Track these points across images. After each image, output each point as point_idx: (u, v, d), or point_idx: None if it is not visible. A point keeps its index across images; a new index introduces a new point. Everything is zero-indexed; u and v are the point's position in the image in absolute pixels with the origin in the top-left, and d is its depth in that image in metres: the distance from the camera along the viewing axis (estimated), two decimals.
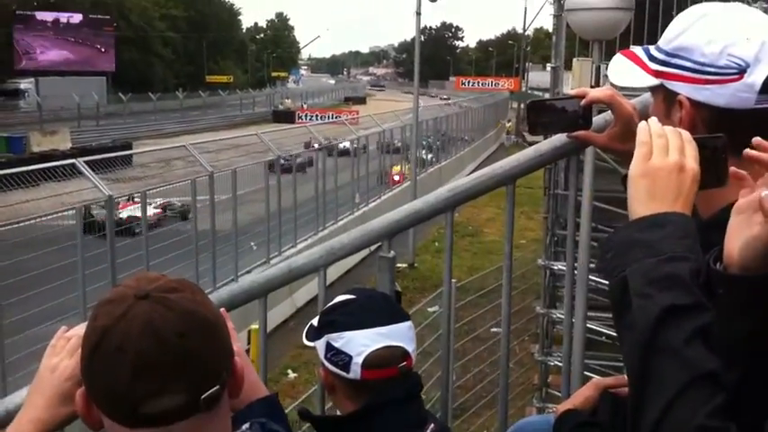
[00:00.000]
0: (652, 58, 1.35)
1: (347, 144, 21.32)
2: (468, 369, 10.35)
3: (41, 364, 1.31)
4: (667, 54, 1.32)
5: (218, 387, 1.10)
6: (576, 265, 2.41)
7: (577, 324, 2.52)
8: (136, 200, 12.14)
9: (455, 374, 9.35)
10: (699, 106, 1.28)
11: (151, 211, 12.71)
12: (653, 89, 1.38)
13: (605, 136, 1.65)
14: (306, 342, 1.75)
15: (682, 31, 1.30)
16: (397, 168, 23.88)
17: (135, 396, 1.04)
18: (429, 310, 10.89)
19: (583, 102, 1.63)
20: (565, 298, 2.37)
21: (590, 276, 2.38)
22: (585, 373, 2.62)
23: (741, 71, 1.23)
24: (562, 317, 2.40)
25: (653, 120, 1.23)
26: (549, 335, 9.53)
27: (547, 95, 10.98)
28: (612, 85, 1.53)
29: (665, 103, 1.34)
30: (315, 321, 1.75)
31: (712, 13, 1.29)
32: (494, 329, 10.64)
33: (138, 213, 11.61)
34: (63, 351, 1.30)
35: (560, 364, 2.54)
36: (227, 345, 1.14)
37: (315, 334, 1.72)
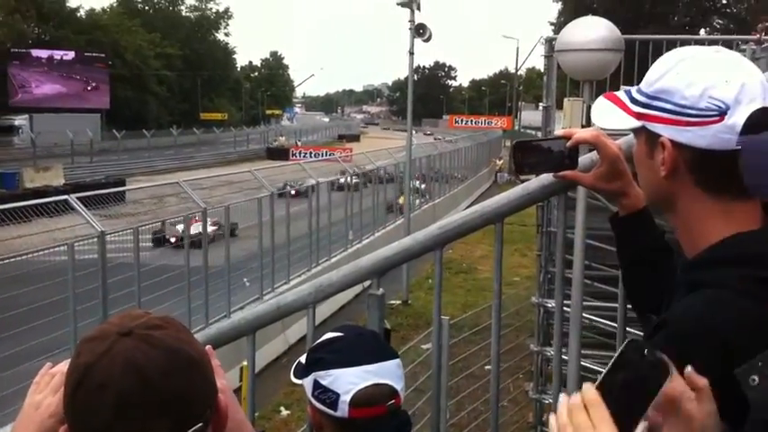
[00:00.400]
0: (634, 101, 1.37)
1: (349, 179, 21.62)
2: (463, 407, 10.25)
3: (25, 401, 1.30)
4: (648, 96, 1.33)
5: (201, 425, 1.09)
6: (566, 302, 2.42)
7: (571, 362, 2.51)
8: (197, 218, 13.09)
9: (449, 412, 9.26)
10: (681, 148, 1.29)
11: (209, 228, 13.48)
12: (635, 131, 1.39)
13: (591, 176, 1.67)
14: (293, 379, 1.74)
15: (662, 74, 1.31)
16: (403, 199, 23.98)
17: None
18: (423, 347, 10.83)
19: (569, 143, 1.65)
20: (554, 336, 2.36)
21: (583, 314, 2.37)
22: None
23: (721, 113, 1.24)
24: None
25: (560, 402, 1.07)
26: (544, 373, 9.47)
27: (539, 134, 11.06)
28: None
29: (648, 144, 1.36)
30: (303, 359, 1.75)
31: (692, 56, 1.30)
32: (488, 367, 10.55)
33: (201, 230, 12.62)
34: (47, 388, 1.29)
35: None
36: (211, 382, 1.14)
37: (302, 371, 1.71)
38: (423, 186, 28.35)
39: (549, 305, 8.58)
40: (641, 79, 1.40)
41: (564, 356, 2.84)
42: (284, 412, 11.93)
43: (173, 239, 13.97)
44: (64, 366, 1.26)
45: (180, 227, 13.47)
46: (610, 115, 1.40)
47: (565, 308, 2.42)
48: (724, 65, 1.28)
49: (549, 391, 9.00)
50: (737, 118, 1.23)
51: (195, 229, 13.18)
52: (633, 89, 1.39)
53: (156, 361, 1.05)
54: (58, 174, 37.44)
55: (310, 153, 46.83)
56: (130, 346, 1.06)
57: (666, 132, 1.30)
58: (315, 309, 2.15)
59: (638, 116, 1.35)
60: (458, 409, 10.15)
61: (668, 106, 1.29)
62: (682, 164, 1.30)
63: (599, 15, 6.70)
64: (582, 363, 2.73)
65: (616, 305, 2.19)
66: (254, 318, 2.16)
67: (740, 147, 1.23)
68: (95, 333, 1.11)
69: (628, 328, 2.21)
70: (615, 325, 2.30)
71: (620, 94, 1.41)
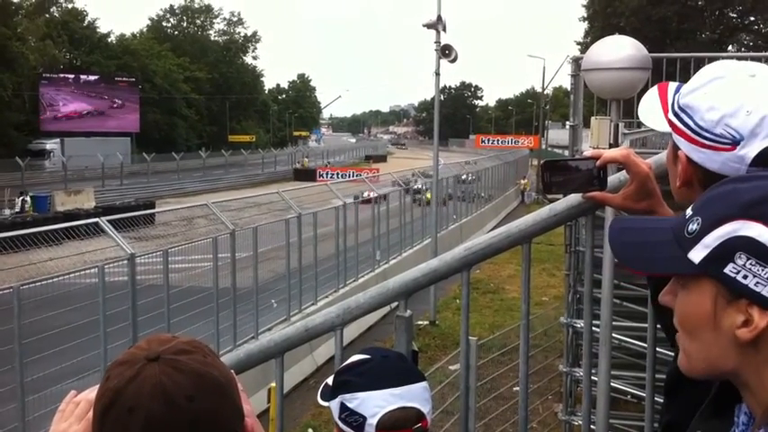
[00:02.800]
0: (672, 105, 1.38)
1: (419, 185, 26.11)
2: (491, 429, 10.18)
3: (50, 429, 1.30)
4: (680, 107, 1.34)
5: None
6: (595, 323, 2.40)
7: (601, 383, 2.49)
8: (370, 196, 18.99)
9: None
10: (695, 165, 1.31)
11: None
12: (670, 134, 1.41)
13: (621, 196, 1.66)
14: (320, 402, 1.74)
15: (695, 89, 1.32)
16: None
17: None
18: (450, 368, 10.78)
19: (598, 162, 1.64)
20: (584, 356, 2.34)
21: (613, 334, 2.35)
22: None
23: (734, 143, 1.25)
24: None
25: None
26: (573, 394, 9.38)
27: (566, 153, 11.04)
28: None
29: (673, 151, 1.39)
30: (330, 381, 1.75)
31: (726, 76, 1.29)
32: (516, 388, 10.47)
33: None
34: (71, 416, 1.29)
35: None
36: (238, 407, 1.15)
37: (329, 394, 1.71)
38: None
39: (578, 325, 8.51)
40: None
41: (593, 377, 2.81)
42: None
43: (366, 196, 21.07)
44: (89, 394, 1.28)
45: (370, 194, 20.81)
46: (651, 113, 1.43)
47: (594, 328, 2.41)
48: (753, 93, 1.26)
49: (578, 413, 8.91)
50: (749, 150, 1.24)
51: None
52: (681, 93, 1.38)
53: (182, 385, 1.07)
54: (88, 197, 37.89)
55: (337, 174, 47.05)
56: (158, 371, 1.08)
57: (684, 147, 1.33)
58: (343, 331, 2.15)
59: (669, 123, 1.37)
60: (486, 431, 10.08)
61: (690, 123, 1.31)
62: (695, 180, 1.32)
63: (626, 34, 6.69)
64: (612, 383, 2.70)
65: (646, 325, 2.17)
66: (283, 340, 2.17)
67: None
68: (124, 357, 1.13)
69: (658, 349, 2.18)
70: (645, 345, 2.28)
71: (671, 90, 1.42)
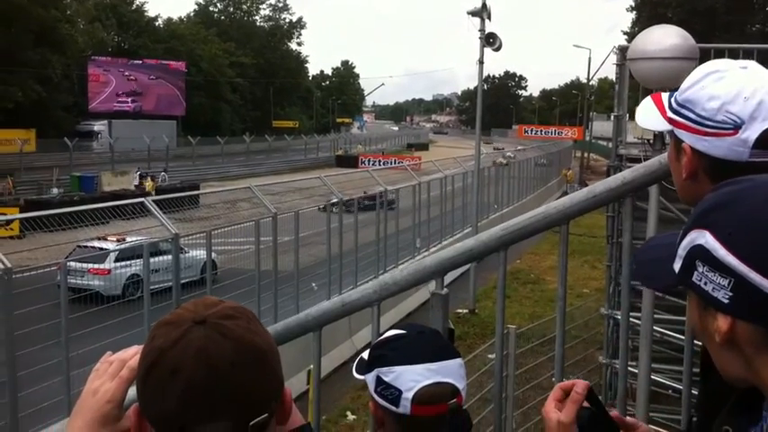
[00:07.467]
0: (670, 105, 1.46)
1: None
2: (529, 417, 10.15)
3: (85, 387, 1.32)
4: (678, 104, 1.43)
5: (266, 415, 1.11)
6: (636, 315, 2.38)
7: (641, 375, 2.48)
8: None
9: (515, 422, 9.20)
10: (700, 155, 1.39)
11: None
12: (670, 132, 1.49)
13: None
14: (355, 374, 1.76)
15: (691, 85, 1.41)
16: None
17: (184, 420, 1.07)
18: (489, 356, 10.76)
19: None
20: (620, 346, 2.34)
21: (654, 327, 2.34)
22: (650, 426, 2.56)
23: (736, 127, 1.33)
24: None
25: None
26: (613, 386, 9.31)
27: (610, 144, 10.93)
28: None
29: (675, 148, 1.46)
30: (365, 354, 1.77)
31: (721, 70, 1.39)
32: (554, 379, 10.41)
33: None
34: (104, 374, 1.31)
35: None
36: (278, 375, 1.16)
37: (365, 368, 1.73)
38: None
39: (619, 317, 8.42)
40: None
41: (634, 370, 2.79)
42: (350, 417, 11.99)
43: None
44: (122, 354, 1.32)
45: None
46: (649, 116, 1.51)
47: (636, 320, 2.39)
48: (748, 81, 1.35)
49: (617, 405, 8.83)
50: (750, 133, 1.32)
51: None
52: (677, 93, 1.47)
53: (226, 352, 1.08)
54: (134, 178, 38.50)
55: (379, 161, 47.07)
56: (203, 335, 1.09)
57: (688, 139, 1.41)
58: (380, 307, 2.16)
59: (669, 121, 1.45)
60: (524, 420, 10.06)
61: (691, 115, 1.39)
62: (700, 170, 1.40)
63: (673, 24, 6.57)
64: (653, 377, 2.68)
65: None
66: (320, 314, 2.19)
67: (753, 159, 1.30)
68: (171, 318, 1.14)
69: (696, 341, 2.17)
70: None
71: (665, 96, 1.50)
